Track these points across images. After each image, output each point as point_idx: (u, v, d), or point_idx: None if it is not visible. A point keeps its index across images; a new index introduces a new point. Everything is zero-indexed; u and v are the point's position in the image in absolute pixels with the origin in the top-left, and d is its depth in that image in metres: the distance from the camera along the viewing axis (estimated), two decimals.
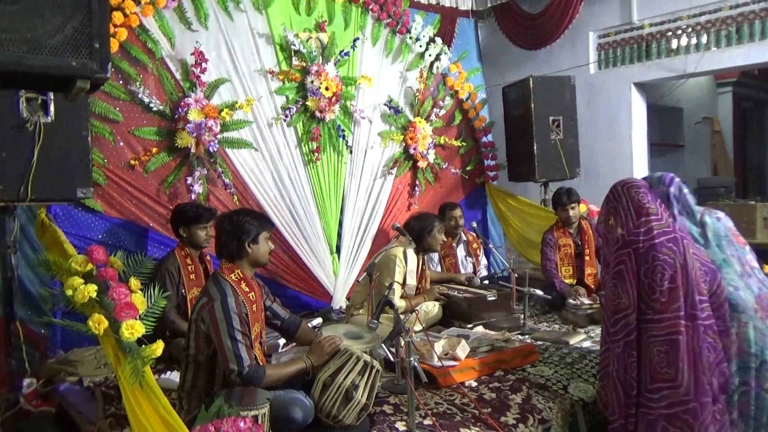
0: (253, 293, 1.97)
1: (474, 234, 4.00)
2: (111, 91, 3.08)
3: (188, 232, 2.85)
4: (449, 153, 4.62)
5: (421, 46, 4.24)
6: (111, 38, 2.87)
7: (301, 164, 3.82)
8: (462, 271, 3.88)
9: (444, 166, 4.57)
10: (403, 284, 2.95)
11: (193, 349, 1.91)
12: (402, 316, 2.21)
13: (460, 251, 4.00)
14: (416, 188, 4.44)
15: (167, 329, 2.68)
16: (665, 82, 4.80)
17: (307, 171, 3.84)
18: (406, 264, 2.95)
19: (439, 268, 3.88)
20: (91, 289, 1.85)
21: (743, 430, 1.68)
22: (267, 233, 2.04)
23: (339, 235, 3.95)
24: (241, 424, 1.43)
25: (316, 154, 3.83)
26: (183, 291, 2.79)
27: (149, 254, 3.08)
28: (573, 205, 3.62)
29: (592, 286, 3.60)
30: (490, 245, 4.09)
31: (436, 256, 3.91)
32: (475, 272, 3.89)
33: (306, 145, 3.81)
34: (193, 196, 3.35)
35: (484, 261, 4.12)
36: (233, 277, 1.96)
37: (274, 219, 3.64)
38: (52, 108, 2.01)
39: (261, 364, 1.88)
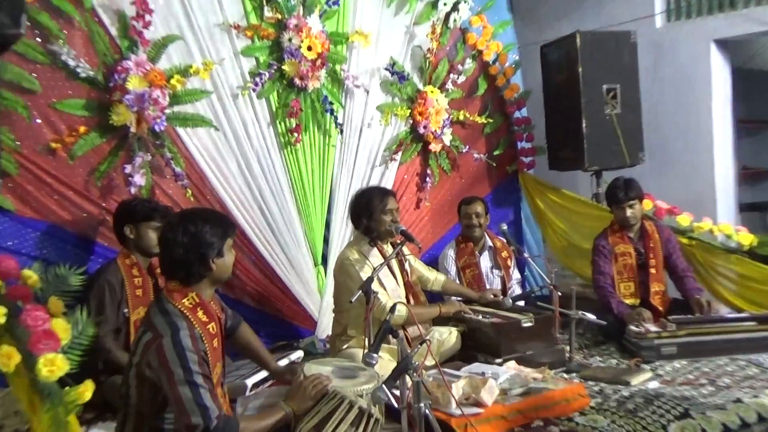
0: (213, 324, 1.95)
1: (504, 239, 4.08)
2: (25, 51, 3.07)
3: (137, 232, 2.89)
4: (471, 133, 4.72)
5: None
6: None
7: (276, 148, 3.87)
8: (487, 286, 3.94)
9: (464, 150, 4.66)
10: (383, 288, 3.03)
11: (134, 398, 1.90)
12: (398, 330, 2.26)
13: (485, 261, 4.06)
14: (427, 179, 4.53)
15: (101, 360, 2.70)
16: (755, 39, 4.82)
17: (284, 157, 3.90)
18: (368, 260, 3.03)
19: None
20: None
21: None
22: (231, 240, 2.04)
23: (326, 241, 4.01)
24: None
25: (296, 135, 3.88)
26: (126, 311, 2.81)
27: (76, 266, 2.94)
28: (633, 201, 3.66)
29: (660, 308, 3.63)
30: (525, 254, 4.10)
31: (453, 269, 3.99)
32: (504, 290, 3.94)
33: (282, 123, 3.86)
34: (132, 190, 3.37)
35: (516, 275, 4.18)
36: (187, 303, 1.93)
37: (239, 220, 3.69)
38: None
39: (229, 415, 1.88)
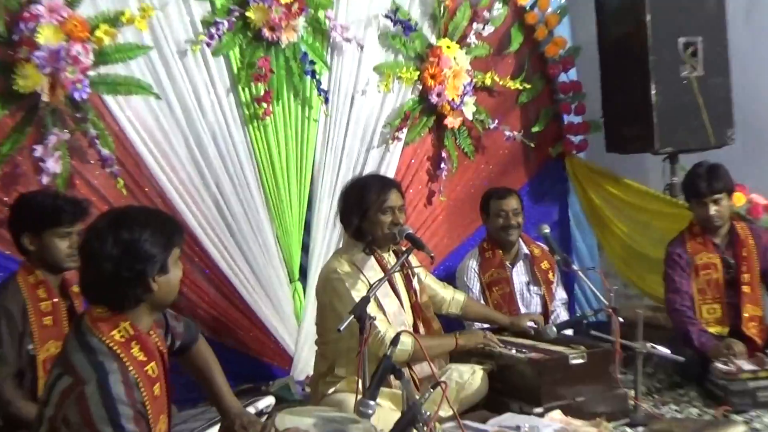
0: (153, 364, 1.94)
1: (544, 246, 4.10)
2: None
3: (39, 242, 2.84)
4: (501, 103, 4.73)
5: None
6: None
7: (238, 124, 3.90)
8: (522, 309, 3.98)
9: (491, 127, 4.69)
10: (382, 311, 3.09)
11: None
12: (403, 369, 2.26)
13: (519, 275, 4.13)
14: (443, 166, 4.55)
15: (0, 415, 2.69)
16: None
17: (249, 135, 3.92)
18: (362, 274, 3.06)
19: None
20: None
21: None
22: (178, 250, 2.04)
23: (305, 249, 4.03)
24: None
25: (265, 106, 3.88)
26: (31, 347, 2.78)
27: None
28: (719, 195, 3.65)
29: (757, 339, 3.63)
30: (574, 266, 4.10)
31: (476, 285, 4.04)
32: (546, 314, 3.97)
33: (246, 90, 3.88)
34: (44, 180, 3.36)
35: (561, 294, 4.22)
36: (117, 337, 1.92)
37: (189, 222, 3.71)
38: None
39: None
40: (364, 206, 3.13)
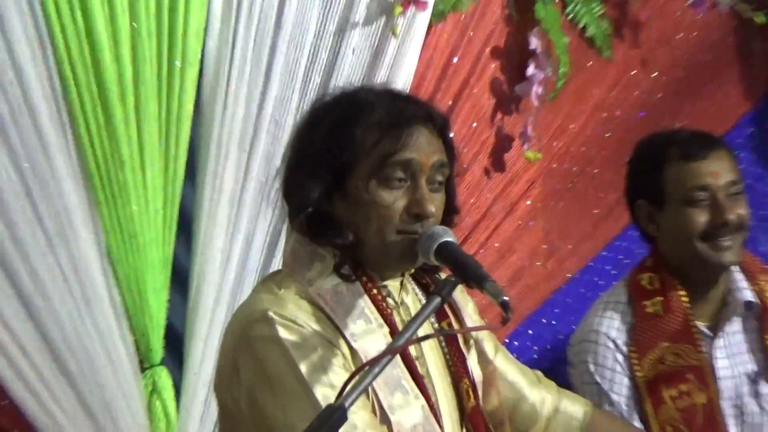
0: None
1: None
2: None
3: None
4: None
5: None
6: None
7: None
8: None
9: None
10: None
11: None
12: None
13: (733, 357, 2.80)
14: (532, 71, 3.25)
15: None
16: None
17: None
18: (335, 328, 1.91)
19: None
20: None
21: None
22: None
23: (179, 301, 2.98)
24: None
25: None
26: None
27: None
28: None
29: None
30: None
31: (623, 382, 2.83)
32: None
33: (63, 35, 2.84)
34: None
35: None
36: None
37: None
38: None
39: None
40: (342, 159, 1.85)
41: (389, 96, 1.88)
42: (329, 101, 1.90)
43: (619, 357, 2.57)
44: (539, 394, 2.21)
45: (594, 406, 2.29)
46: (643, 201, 2.62)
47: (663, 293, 2.64)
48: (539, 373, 2.27)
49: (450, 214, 1.82)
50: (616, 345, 2.58)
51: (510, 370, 2.19)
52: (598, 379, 2.58)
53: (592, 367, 2.61)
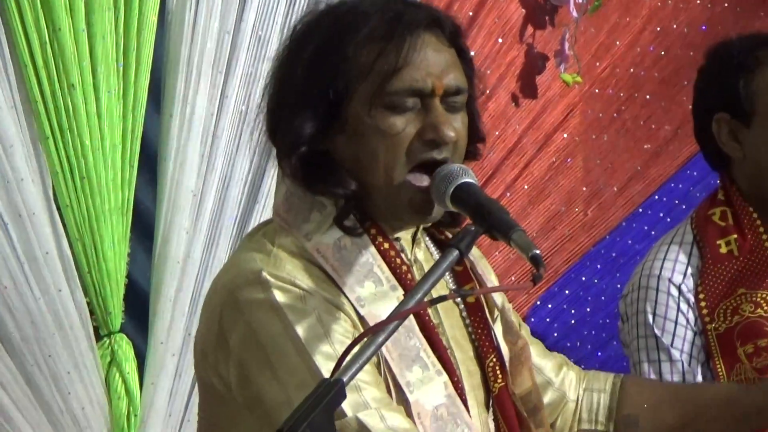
0: None
1: None
2: None
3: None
4: None
5: None
6: None
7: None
8: None
9: None
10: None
11: None
12: None
13: None
14: None
15: None
16: None
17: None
18: (337, 288, 1.89)
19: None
20: None
21: None
22: None
23: (142, 260, 3.05)
24: None
25: None
26: None
27: None
28: None
29: None
30: None
31: (687, 337, 2.80)
32: None
33: None
34: None
35: None
36: None
37: None
38: None
39: None
40: (336, 85, 1.81)
41: (386, 1, 1.71)
42: (316, 16, 1.77)
43: (684, 306, 2.50)
44: (567, 379, 2.09)
45: (619, 375, 2.15)
46: (725, 114, 2.48)
47: (739, 230, 2.55)
48: (563, 356, 2.16)
49: (473, 142, 1.70)
50: (681, 292, 2.50)
51: (534, 351, 2.03)
52: (657, 331, 2.51)
53: (650, 318, 2.53)
